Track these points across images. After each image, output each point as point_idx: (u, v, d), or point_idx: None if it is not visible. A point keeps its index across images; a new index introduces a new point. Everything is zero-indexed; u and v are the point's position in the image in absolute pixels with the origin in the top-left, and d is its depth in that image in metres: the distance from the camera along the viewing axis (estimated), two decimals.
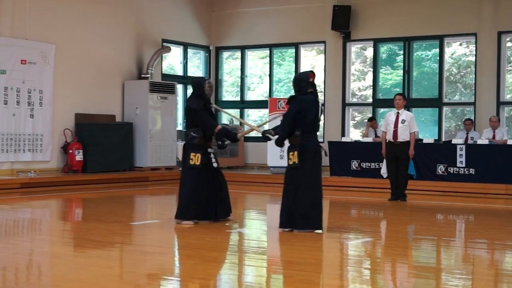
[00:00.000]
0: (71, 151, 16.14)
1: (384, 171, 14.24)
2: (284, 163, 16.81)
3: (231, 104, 20.66)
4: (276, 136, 9.41)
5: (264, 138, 9.72)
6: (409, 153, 13.06)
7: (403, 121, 13.04)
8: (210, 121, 9.80)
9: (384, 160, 13.72)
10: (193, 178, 9.63)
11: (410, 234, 9.67)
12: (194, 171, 9.63)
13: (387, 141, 13.24)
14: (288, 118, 9.11)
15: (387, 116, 13.40)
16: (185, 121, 10.11)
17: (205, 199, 9.71)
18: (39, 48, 15.91)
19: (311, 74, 9.27)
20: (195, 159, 9.61)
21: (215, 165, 9.80)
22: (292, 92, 9.44)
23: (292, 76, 19.74)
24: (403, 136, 13.06)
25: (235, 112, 20.15)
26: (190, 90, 20.26)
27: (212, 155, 9.83)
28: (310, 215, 8.92)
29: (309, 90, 9.15)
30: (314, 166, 9.09)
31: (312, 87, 9.18)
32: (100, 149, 16.66)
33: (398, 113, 13.20)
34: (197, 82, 9.90)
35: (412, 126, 13.08)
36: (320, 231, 8.91)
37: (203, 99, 9.75)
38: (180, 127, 19.45)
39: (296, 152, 8.96)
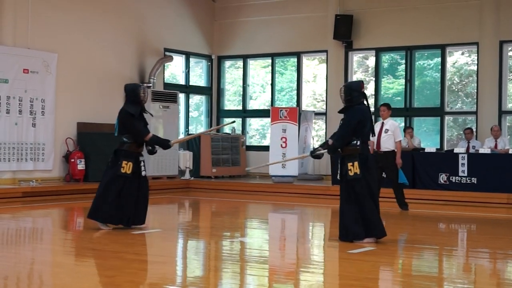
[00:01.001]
0: (73, 160, 16.15)
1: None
2: (286, 172, 16.90)
3: (233, 113, 20.67)
4: (325, 150, 9.28)
5: (316, 157, 9.54)
6: (396, 162, 12.99)
7: (387, 131, 13.03)
8: (143, 128, 9.84)
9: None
10: (121, 185, 9.68)
11: (411, 243, 9.64)
12: (123, 179, 9.68)
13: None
14: (349, 128, 8.96)
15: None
16: (117, 126, 9.93)
17: (124, 206, 9.75)
18: (41, 57, 15.94)
19: (362, 84, 9.24)
20: (127, 167, 9.66)
21: (144, 173, 9.89)
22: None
23: (295, 85, 19.80)
24: (386, 145, 13.02)
25: (237, 121, 20.18)
26: (191, 99, 20.36)
27: (142, 163, 9.89)
28: (377, 224, 8.92)
29: (361, 100, 9.10)
30: (374, 175, 9.07)
31: (363, 96, 9.15)
32: (102, 158, 16.57)
33: (382, 123, 13.21)
34: (131, 89, 9.90)
35: (396, 135, 13.02)
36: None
37: (139, 106, 9.78)
38: (182, 136, 19.46)
39: (356, 163, 8.83)
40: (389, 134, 12.98)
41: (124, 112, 9.79)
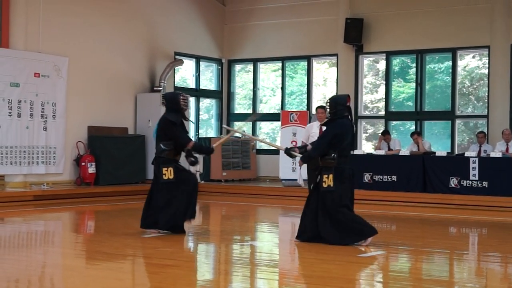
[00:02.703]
0: (83, 163, 16.20)
1: (301, 182, 14.62)
2: (296, 176, 16.87)
3: (243, 117, 20.67)
4: (300, 155, 9.37)
5: (288, 155, 9.65)
6: (299, 162, 13.00)
7: None
8: (185, 136, 9.84)
9: (305, 170, 13.66)
10: (167, 192, 9.63)
11: (421, 247, 9.62)
12: (167, 185, 9.63)
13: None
14: (325, 140, 9.09)
15: (309, 128, 13.28)
16: (156, 132, 9.94)
17: (176, 211, 9.71)
18: (52, 61, 16.00)
19: (348, 98, 9.30)
20: (168, 173, 9.61)
21: (193, 170, 9.92)
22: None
23: (305, 88, 19.79)
24: None
25: (247, 125, 20.21)
26: (201, 103, 20.37)
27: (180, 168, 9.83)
28: (357, 227, 9.00)
29: (345, 114, 9.16)
30: (347, 189, 9.12)
31: (348, 111, 9.20)
32: (113, 161, 16.71)
33: (321, 125, 13.21)
34: (171, 97, 9.90)
35: None
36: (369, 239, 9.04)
37: (180, 113, 9.77)
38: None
39: (331, 175, 8.94)
40: None
41: (165, 120, 9.76)
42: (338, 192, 8.97)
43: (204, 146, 10.08)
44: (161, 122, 9.84)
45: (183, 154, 9.88)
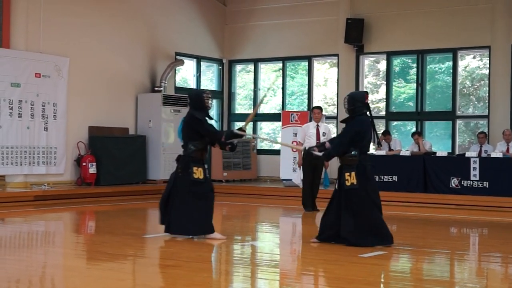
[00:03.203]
0: (84, 164, 16.20)
1: (298, 181, 14.49)
2: (296, 176, 16.87)
3: (244, 117, 20.63)
4: (321, 153, 9.30)
5: (309, 154, 9.62)
6: (325, 163, 13.05)
7: (324, 134, 13.13)
8: (216, 130, 9.72)
9: (301, 170, 13.68)
10: (197, 192, 9.44)
11: (422, 248, 9.61)
12: (197, 185, 9.45)
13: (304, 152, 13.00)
14: (347, 138, 9.01)
15: (305, 128, 13.43)
16: (181, 132, 9.81)
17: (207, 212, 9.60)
18: (53, 62, 16.01)
19: (366, 95, 9.25)
20: (198, 173, 9.44)
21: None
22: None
23: (306, 89, 19.79)
24: None
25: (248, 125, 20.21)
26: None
27: (206, 170, 9.68)
28: (384, 232, 8.95)
29: (364, 111, 9.13)
30: (374, 185, 9.10)
31: (366, 108, 9.17)
32: (113, 162, 16.72)
33: (317, 125, 13.35)
34: (196, 95, 9.77)
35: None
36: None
37: (204, 112, 9.67)
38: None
39: (353, 173, 8.85)
40: (327, 137, 13.07)
41: (192, 118, 9.57)
42: (363, 189, 8.89)
43: (234, 132, 9.82)
44: (188, 120, 9.64)
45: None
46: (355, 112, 9.09)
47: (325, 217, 9.23)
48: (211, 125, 9.67)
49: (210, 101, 9.70)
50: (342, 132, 9.28)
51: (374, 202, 9.01)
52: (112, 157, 16.72)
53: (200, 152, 9.53)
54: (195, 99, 9.69)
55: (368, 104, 9.21)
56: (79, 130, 16.60)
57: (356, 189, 8.84)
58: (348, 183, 8.86)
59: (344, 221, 8.91)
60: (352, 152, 8.94)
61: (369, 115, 9.17)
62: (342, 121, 9.46)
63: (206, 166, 9.60)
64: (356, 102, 9.10)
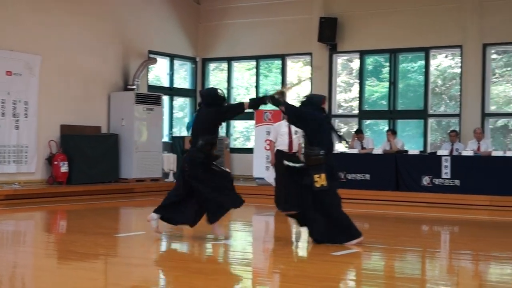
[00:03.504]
0: (56, 162, 16.07)
1: (271, 180, 14.31)
2: (270, 174, 16.89)
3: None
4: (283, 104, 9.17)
5: (258, 101, 9.37)
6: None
7: (296, 132, 13.15)
8: (235, 104, 9.43)
9: (273, 169, 13.48)
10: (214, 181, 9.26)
11: (394, 245, 9.66)
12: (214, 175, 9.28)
13: (275, 150, 12.98)
14: (301, 111, 9.02)
15: (277, 127, 13.28)
16: (198, 126, 9.37)
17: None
18: (24, 60, 15.85)
19: (323, 100, 9.24)
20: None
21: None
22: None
23: (279, 87, 19.74)
24: (297, 147, 13.14)
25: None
26: (175, 102, 20.30)
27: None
28: (349, 228, 8.98)
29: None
30: (337, 185, 9.13)
31: (324, 113, 9.17)
32: (85, 160, 16.60)
33: (289, 124, 13.29)
34: (210, 92, 9.49)
35: (300, 137, 12.93)
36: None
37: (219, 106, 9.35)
38: (166, 139, 19.43)
39: (323, 175, 8.80)
40: (298, 135, 13.08)
41: (214, 111, 9.21)
42: (333, 189, 8.91)
43: (257, 98, 9.57)
44: (208, 114, 9.26)
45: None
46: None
47: (284, 188, 9.18)
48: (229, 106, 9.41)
49: (223, 97, 9.40)
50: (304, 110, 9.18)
51: (339, 201, 9.05)
52: (84, 155, 16.60)
53: (211, 146, 9.24)
54: (210, 96, 9.39)
55: (323, 109, 9.21)
56: (50, 129, 16.45)
57: (326, 191, 8.83)
58: (318, 185, 8.80)
59: (316, 222, 8.91)
60: (318, 151, 8.91)
61: (325, 117, 9.19)
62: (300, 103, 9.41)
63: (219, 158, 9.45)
64: (311, 104, 9.12)
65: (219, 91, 9.43)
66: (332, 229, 8.88)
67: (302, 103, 9.18)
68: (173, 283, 6.96)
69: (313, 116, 9.01)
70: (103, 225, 11.20)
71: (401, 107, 18.34)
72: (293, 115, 9.09)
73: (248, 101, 9.36)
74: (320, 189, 8.81)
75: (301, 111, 9.06)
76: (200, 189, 9.20)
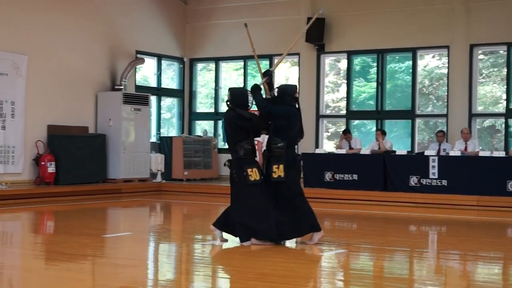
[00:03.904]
0: (43, 163, 16.00)
1: None
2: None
3: (205, 116, 20.68)
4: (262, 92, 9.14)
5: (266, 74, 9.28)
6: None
7: None
8: (263, 108, 9.10)
9: None
10: (255, 194, 8.97)
11: (382, 245, 9.68)
12: (254, 187, 8.95)
13: (263, 150, 12.95)
14: (270, 106, 8.98)
15: None
16: (230, 134, 9.13)
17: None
18: (11, 59, 15.77)
19: (296, 88, 9.26)
20: (254, 174, 8.91)
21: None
22: None
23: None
24: None
25: (209, 123, 20.26)
26: (163, 102, 20.25)
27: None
28: (312, 220, 8.95)
29: (293, 104, 9.13)
30: (299, 177, 9.11)
31: (296, 101, 9.17)
32: (73, 161, 16.54)
33: None
34: (242, 94, 9.26)
35: None
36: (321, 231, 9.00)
37: (247, 109, 9.22)
38: (153, 139, 19.39)
39: (282, 166, 8.82)
40: None
41: (240, 117, 9.04)
42: (293, 180, 8.91)
43: (256, 98, 9.13)
44: (233, 119, 9.07)
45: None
46: (283, 104, 9.07)
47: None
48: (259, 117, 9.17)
49: (251, 101, 9.22)
50: (274, 107, 9.12)
51: (303, 194, 9.04)
52: (72, 156, 16.54)
53: (252, 151, 9.07)
54: (241, 97, 9.19)
55: (297, 98, 9.22)
56: (37, 129, 16.38)
57: (283, 182, 8.83)
58: (275, 175, 8.82)
59: (279, 215, 8.92)
60: (280, 144, 8.89)
61: (297, 108, 9.16)
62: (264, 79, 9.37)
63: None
64: (285, 95, 9.11)
65: (250, 95, 9.24)
66: (292, 222, 8.87)
67: (277, 95, 9.14)
68: (162, 284, 6.95)
69: (284, 113, 9.01)
70: (91, 226, 11.16)
71: (389, 107, 18.39)
72: (263, 112, 9.12)
73: (264, 112, 9.14)
74: (276, 180, 8.83)
75: (270, 110, 9.04)
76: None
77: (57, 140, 16.42)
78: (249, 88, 9.34)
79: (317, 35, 18.38)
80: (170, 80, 20.85)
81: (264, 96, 9.26)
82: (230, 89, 9.37)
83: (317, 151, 16.97)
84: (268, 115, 9.07)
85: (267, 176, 8.97)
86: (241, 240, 8.96)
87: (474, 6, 17.08)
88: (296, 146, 9.37)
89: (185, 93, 20.77)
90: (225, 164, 9.34)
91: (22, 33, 16.09)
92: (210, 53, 20.46)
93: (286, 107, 9.07)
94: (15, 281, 7.09)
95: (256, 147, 9.69)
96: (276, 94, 9.18)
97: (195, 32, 20.59)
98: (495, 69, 17.67)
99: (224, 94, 20.82)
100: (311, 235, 9.03)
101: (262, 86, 9.25)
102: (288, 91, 9.18)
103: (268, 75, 9.35)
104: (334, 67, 19.63)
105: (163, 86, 20.19)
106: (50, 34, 16.71)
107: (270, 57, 19.68)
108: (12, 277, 7.25)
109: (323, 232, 9.09)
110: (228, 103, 9.23)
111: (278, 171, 8.83)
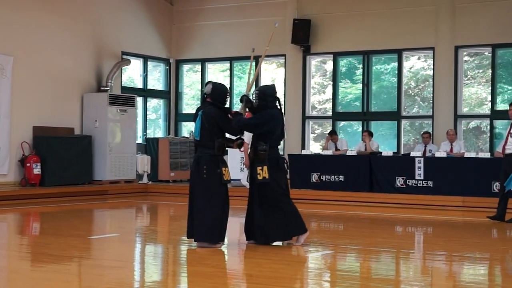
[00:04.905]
0: (28, 164, 15.94)
1: (245, 182, 13.08)
2: (244, 176, 16.87)
3: (192, 117, 20.58)
4: (240, 112, 9.10)
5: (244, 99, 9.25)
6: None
7: None
8: (237, 127, 9.02)
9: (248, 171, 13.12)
10: (224, 194, 8.98)
11: (369, 246, 9.71)
12: (225, 187, 9.00)
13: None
14: (256, 122, 8.92)
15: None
16: (207, 129, 8.92)
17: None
18: None
19: (275, 88, 9.26)
20: (227, 174, 8.93)
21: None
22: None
23: (253, 89, 19.75)
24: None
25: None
26: (149, 103, 20.21)
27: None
28: (298, 222, 8.93)
29: (275, 104, 9.11)
30: (283, 178, 9.12)
31: (277, 100, 9.17)
32: (59, 162, 16.49)
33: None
34: (222, 91, 9.11)
35: None
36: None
37: (223, 108, 9.12)
38: (139, 140, 19.36)
39: (265, 167, 8.83)
40: None
41: (221, 114, 8.97)
42: (276, 182, 8.90)
43: (239, 119, 8.94)
44: (215, 115, 8.93)
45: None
46: (267, 107, 9.03)
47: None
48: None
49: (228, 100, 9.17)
50: (255, 116, 9.06)
51: (287, 195, 9.03)
52: (57, 157, 16.48)
53: (223, 149, 9.04)
54: (220, 94, 9.07)
55: (278, 97, 9.21)
56: (23, 130, 16.32)
57: (268, 183, 8.84)
58: (260, 177, 8.83)
59: (257, 215, 8.93)
60: (263, 146, 8.89)
61: (279, 107, 9.15)
62: (251, 112, 9.33)
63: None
64: (267, 96, 9.06)
65: (229, 94, 9.23)
66: (274, 225, 8.87)
67: (258, 98, 9.04)
68: (148, 285, 6.93)
69: (271, 118, 8.96)
70: (77, 227, 11.13)
71: (375, 108, 18.45)
72: (252, 129, 9.08)
73: (239, 129, 9.09)
74: (262, 182, 8.84)
75: (255, 123, 8.97)
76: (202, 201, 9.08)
77: (43, 141, 16.36)
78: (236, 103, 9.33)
79: (303, 37, 18.42)
80: (156, 81, 20.81)
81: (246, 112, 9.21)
82: (212, 83, 9.18)
83: (303, 152, 17.00)
84: (255, 129, 9.02)
85: (251, 178, 8.99)
86: (212, 241, 8.85)
87: (459, 8, 17.16)
88: (279, 147, 9.38)
89: (171, 94, 20.74)
90: (194, 161, 9.14)
91: (7, 34, 16.02)
92: (196, 54, 20.45)
93: (270, 111, 9.04)
94: (1, 282, 7.05)
95: (243, 148, 9.68)
96: (257, 97, 9.08)
97: (181, 33, 20.58)
98: (480, 71, 17.76)
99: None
100: (297, 237, 9.04)
101: (242, 112, 9.17)
102: (268, 91, 9.15)
103: (244, 101, 9.18)
104: (320, 68, 19.67)
105: (149, 87, 20.16)
106: (36, 35, 16.65)
107: (256, 58, 19.64)
108: None
109: (308, 233, 9.11)
110: (206, 96, 9.09)
111: (263, 172, 8.84)
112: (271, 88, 9.25)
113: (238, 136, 9.19)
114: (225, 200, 8.97)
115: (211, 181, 8.79)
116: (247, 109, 9.21)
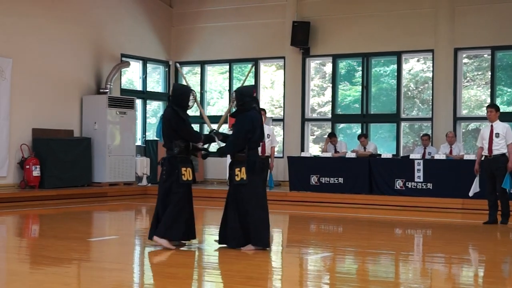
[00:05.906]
0: (28, 166, 15.94)
1: (476, 189, 12.69)
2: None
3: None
4: (220, 143, 9.21)
5: (210, 138, 9.30)
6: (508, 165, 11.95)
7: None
8: (196, 133, 9.26)
9: (477, 178, 12.53)
10: (183, 194, 9.04)
11: (368, 249, 9.71)
12: (185, 187, 9.06)
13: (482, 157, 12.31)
14: (240, 137, 8.95)
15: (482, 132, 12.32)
16: (166, 132, 9.11)
17: (189, 217, 9.20)
18: None
19: (254, 89, 9.27)
20: (187, 174, 9.00)
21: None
22: None
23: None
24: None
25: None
26: (148, 105, 20.22)
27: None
28: (261, 234, 8.82)
29: (253, 105, 9.10)
30: (262, 181, 9.10)
31: (255, 102, 9.18)
32: (58, 164, 16.48)
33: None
34: (183, 92, 9.19)
35: (508, 137, 11.92)
36: (268, 249, 8.87)
37: (185, 110, 9.22)
38: (139, 142, 19.36)
39: (243, 168, 8.85)
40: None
41: (174, 115, 9.04)
42: (251, 184, 8.88)
43: (209, 135, 9.26)
44: (169, 117, 9.06)
45: None
46: (245, 107, 9.04)
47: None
48: (192, 127, 9.22)
49: (193, 102, 9.23)
50: (235, 131, 9.09)
51: (260, 200, 8.94)
52: (57, 159, 16.48)
53: (186, 151, 9.09)
54: (181, 96, 9.16)
55: (256, 98, 9.23)
56: (22, 132, 16.32)
57: (244, 184, 8.83)
58: (238, 178, 8.86)
59: (231, 217, 8.91)
60: (245, 149, 8.91)
61: (257, 108, 9.15)
62: (231, 115, 9.38)
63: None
64: (244, 97, 9.07)
65: (192, 95, 9.24)
66: (242, 228, 8.83)
67: (236, 99, 9.07)
68: (147, 287, 6.94)
69: (251, 122, 8.95)
70: (76, 230, 11.12)
71: (374, 110, 18.45)
72: (235, 150, 9.06)
73: (204, 137, 9.32)
74: (239, 183, 8.85)
75: (240, 138, 8.97)
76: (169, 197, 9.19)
77: (42, 144, 16.36)
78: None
79: (303, 39, 18.43)
80: (156, 83, 20.82)
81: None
82: (173, 85, 9.36)
83: (303, 154, 17.01)
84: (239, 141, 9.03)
85: (230, 180, 8.99)
86: (175, 238, 8.95)
87: (458, 10, 17.18)
88: (258, 149, 9.36)
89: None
90: (158, 163, 9.34)
91: (7, 36, 16.03)
92: (196, 57, 20.46)
93: (249, 114, 9.01)
94: (0, 285, 7.05)
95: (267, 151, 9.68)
96: (235, 98, 9.12)
97: (180, 35, 20.59)
98: (480, 73, 17.77)
99: (209, 98, 20.83)
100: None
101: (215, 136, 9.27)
102: (246, 92, 9.16)
103: (215, 135, 9.31)
104: (319, 70, 19.67)
105: (148, 89, 20.17)
106: (35, 37, 16.65)
107: (255, 61, 19.69)
108: None
109: (268, 249, 8.86)
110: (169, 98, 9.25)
111: (241, 174, 8.86)
112: (249, 89, 9.31)
113: (204, 147, 9.36)
114: (185, 199, 9.00)
115: (170, 182, 8.97)
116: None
